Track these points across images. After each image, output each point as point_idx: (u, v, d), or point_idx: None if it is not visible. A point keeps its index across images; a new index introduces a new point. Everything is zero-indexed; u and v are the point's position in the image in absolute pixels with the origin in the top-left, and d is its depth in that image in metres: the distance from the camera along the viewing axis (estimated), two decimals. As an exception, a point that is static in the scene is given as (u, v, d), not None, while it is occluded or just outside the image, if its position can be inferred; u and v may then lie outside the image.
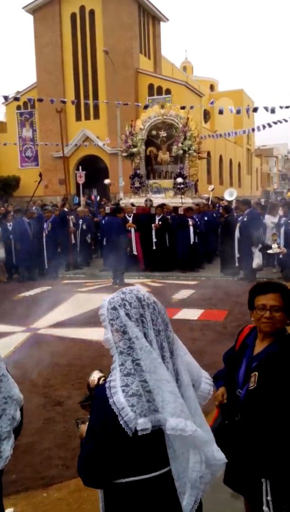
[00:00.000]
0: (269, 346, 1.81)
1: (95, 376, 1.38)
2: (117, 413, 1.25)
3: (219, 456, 1.38)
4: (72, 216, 10.85)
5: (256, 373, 1.76)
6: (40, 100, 17.16)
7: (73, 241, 10.61)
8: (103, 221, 10.60)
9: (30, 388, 4.15)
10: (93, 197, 18.78)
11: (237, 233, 8.78)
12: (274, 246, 4.57)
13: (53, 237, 9.68)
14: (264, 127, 15.51)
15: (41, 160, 27.90)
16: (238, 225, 8.78)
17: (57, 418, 3.55)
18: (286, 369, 1.71)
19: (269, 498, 1.67)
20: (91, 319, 6.46)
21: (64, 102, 18.76)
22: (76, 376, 4.34)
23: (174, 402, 1.27)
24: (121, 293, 1.38)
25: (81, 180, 15.28)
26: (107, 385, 1.32)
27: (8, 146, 25.43)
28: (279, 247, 4.50)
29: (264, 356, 1.79)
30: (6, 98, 15.63)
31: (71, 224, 10.60)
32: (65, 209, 11.39)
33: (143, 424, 1.26)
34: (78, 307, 7.11)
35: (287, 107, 13.65)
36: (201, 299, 7.35)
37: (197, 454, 1.31)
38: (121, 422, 1.25)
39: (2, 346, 5.30)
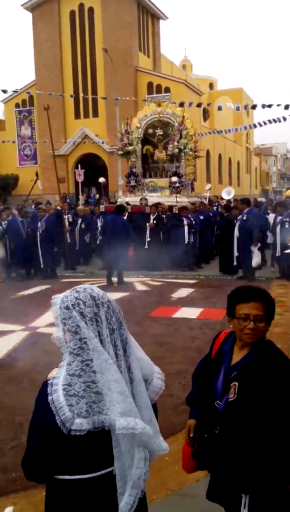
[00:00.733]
0: (248, 354, 1.70)
1: (54, 372, 1.38)
2: (54, 412, 1.26)
3: (164, 446, 1.44)
4: (69, 215, 10.74)
5: (236, 383, 1.66)
6: (38, 92, 17.02)
7: (69, 240, 10.41)
8: (99, 220, 10.47)
9: (29, 386, 4.14)
10: (91, 195, 18.81)
11: (236, 232, 8.79)
12: None
13: (48, 236, 9.50)
14: (265, 123, 15.52)
15: (40, 158, 27.85)
16: (237, 224, 8.79)
17: (56, 417, 3.54)
18: (266, 379, 1.62)
19: (245, 511, 1.63)
20: (90, 317, 6.46)
21: (62, 96, 18.65)
22: (75, 375, 4.34)
23: (124, 402, 1.27)
24: (75, 291, 1.35)
25: (80, 179, 15.28)
26: (50, 381, 1.32)
27: (7, 144, 25.38)
28: None
29: (243, 365, 1.69)
30: (5, 91, 15.58)
31: (67, 223, 10.43)
32: (58, 207, 11.27)
33: (79, 425, 1.25)
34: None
35: (286, 107, 13.65)
36: (200, 298, 7.35)
37: (142, 451, 1.34)
38: (58, 421, 1.25)
39: (1, 345, 5.30)
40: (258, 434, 1.60)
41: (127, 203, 10.90)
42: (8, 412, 3.62)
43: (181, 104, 13.41)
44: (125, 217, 9.04)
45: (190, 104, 16.36)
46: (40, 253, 9.42)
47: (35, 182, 11.92)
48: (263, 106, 14.20)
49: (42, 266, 9.51)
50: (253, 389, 1.62)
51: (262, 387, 1.60)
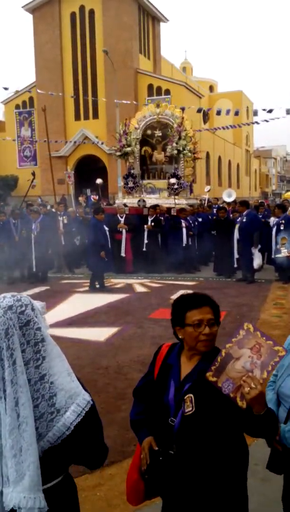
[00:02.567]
0: (199, 363, 1.60)
1: None
2: None
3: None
4: (64, 217, 10.55)
5: (191, 395, 1.55)
6: (40, 91, 17.06)
7: (63, 242, 10.24)
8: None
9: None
10: (85, 197, 18.76)
11: (236, 234, 8.79)
12: (284, 250, 4.38)
13: (42, 238, 9.17)
14: (266, 121, 15.58)
15: (40, 159, 27.87)
16: (237, 226, 8.80)
17: (55, 418, 3.54)
18: None
19: None
20: (89, 319, 6.47)
21: (61, 95, 18.67)
22: (74, 376, 4.34)
23: None
24: None
25: (70, 181, 15.24)
26: None
27: (7, 145, 25.40)
28: (288, 251, 4.36)
29: (197, 376, 1.57)
30: (6, 88, 15.64)
31: (61, 225, 10.27)
32: (53, 209, 11.16)
33: None
34: (76, 307, 7.10)
35: (288, 111, 13.73)
36: (199, 300, 7.35)
37: None
38: None
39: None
40: (217, 449, 1.50)
41: (125, 205, 10.85)
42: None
43: (183, 109, 13.36)
44: (101, 219, 8.58)
45: (195, 109, 16.43)
46: (33, 256, 9.07)
47: (32, 182, 11.91)
48: (264, 110, 14.32)
49: (34, 269, 9.16)
50: (211, 399, 1.52)
51: (220, 396, 1.49)
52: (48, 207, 13.47)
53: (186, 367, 1.64)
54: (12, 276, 9.40)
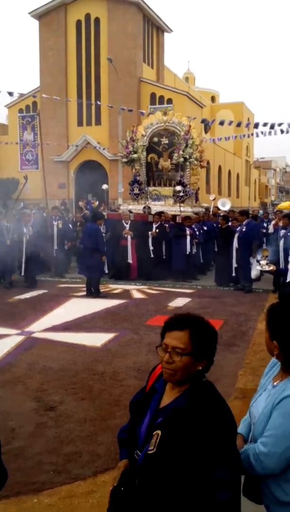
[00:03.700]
0: (178, 398, 1.42)
1: None
2: None
3: None
4: (59, 221, 10.44)
5: (159, 432, 1.39)
6: (45, 96, 17.21)
7: (56, 247, 10.17)
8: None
9: (23, 391, 4.11)
10: (86, 201, 18.80)
11: (235, 243, 8.82)
12: (263, 262, 4.18)
13: (35, 241, 9.05)
14: (269, 133, 15.72)
15: (41, 163, 27.98)
16: (236, 235, 8.82)
17: (49, 423, 3.52)
18: (192, 431, 1.33)
19: None
20: (86, 324, 6.45)
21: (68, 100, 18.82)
22: (69, 381, 4.32)
23: None
24: None
25: (91, 205, 15.29)
26: None
27: (9, 149, 25.48)
28: (267, 264, 4.20)
29: (170, 411, 1.40)
30: (11, 94, 15.76)
31: (55, 230, 10.20)
32: (44, 214, 11.08)
33: None
34: (73, 311, 7.09)
35: (288, 129, 13.92)
36: (197, 308, 7.35)
37: None
38: None
39: (-4, 349, 5.27)
40: (177, 494, 1.35)
41: (130, 211, 10.91)
42: (0, 417, 3.59)
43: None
44: (101, 225, 8.69)
45: (197, 118, 16.59)
46: (23, 259, 8.95)
47: (24, 185, 11.99)
48: (265, 124, 14.50)
49: (22, 273, 9.06)
50: (175, 442, 1.34)
51: (185, 440, 1.32)
52: (33, 212, 13.20)
53: (167, 397, 1.47)
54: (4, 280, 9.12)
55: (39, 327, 6.20)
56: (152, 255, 9.85)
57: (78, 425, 3.45)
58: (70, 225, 11.72)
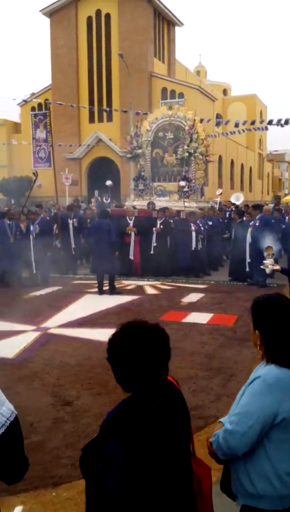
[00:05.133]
0: (116, 406, 1.33)
1: None
2: None
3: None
4: (74, 219, 10.36)
5: None
6: (59, 103, 17.36)
7: (59, 245, 10.17)
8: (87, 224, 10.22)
9: (39, 387, 4.18)
10: (94, 199, 18.87)
11: (248, 238, 8.73)
12: (267, 262, 3.96)
13: (42, 239, 8.88)
14: (279, 121, 15.46)
15: (54, 161, 28.18)
16: (249, 230, 8.74)
17: (66, 418, 3.57)
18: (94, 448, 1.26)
19: None
20: (100, 320, 6.50)
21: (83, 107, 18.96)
22: (85, 377, 4.37)
23: None
24: None
25: (68, 182, 15.27)
26: None
27: (22, 147, 25.70)
28: (272, 264, 3.98)
29: (103, 422, 1.31)
30: (25, 101, 15.98)
31: (71, 228, 10.16)
32: (54, 211, 11.10)
33: None
34: (88, 307, 7.15)
35: None
36: (210, 303, 7.33)
37: None
38: None
39: (12, 345, 5.37)
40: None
41: (134, 207, 10.82)
42: (19, 412, 3.65)
43: (201, 120, 13.10)
44: (110, 221, 8.58)
45: (208, 112, 16.46)
46: (32, 258, 8.82)
47: (34, 182, 12.11)
48: (279, 122, 14.32)
49: (34, 271, 8.94)
50: (91, 458, 1.29)
51: (96, 460, 1.24)
52: (45, 210, 13.21)
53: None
54: (7, 279, 9.01)
55: (54, 323, 6.27)
56: (152, 252, 9.67)
57: (94, 419, 3.49)
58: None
